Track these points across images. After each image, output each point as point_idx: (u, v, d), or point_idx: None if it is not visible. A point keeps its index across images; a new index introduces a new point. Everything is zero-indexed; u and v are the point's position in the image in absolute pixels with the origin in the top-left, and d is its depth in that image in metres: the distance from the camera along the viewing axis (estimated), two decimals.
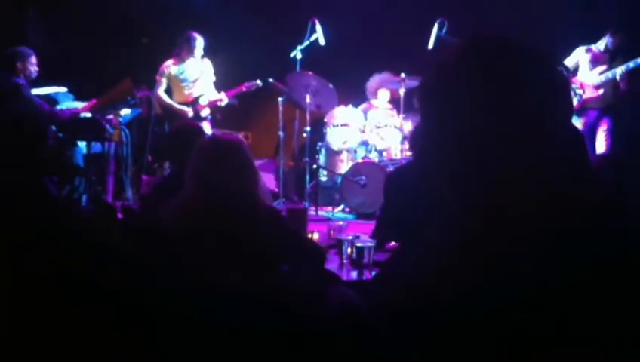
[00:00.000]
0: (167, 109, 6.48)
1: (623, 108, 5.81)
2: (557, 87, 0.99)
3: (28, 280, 0.94)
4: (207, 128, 6.36)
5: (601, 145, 5.78)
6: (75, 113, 5.69)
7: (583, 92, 5.87)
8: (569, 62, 6.03)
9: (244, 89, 6.54)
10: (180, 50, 6.48)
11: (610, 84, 5.78)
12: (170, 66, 6.49)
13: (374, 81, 7.20)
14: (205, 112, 6.54)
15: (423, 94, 1.06)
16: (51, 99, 5.83)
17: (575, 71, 6.01)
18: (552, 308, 0.84)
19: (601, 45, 5.91)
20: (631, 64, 5.60)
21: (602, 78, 5.77)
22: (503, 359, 0.84)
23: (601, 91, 5.80)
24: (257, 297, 2.14)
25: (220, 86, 6.67)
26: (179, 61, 6.49)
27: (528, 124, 0.94)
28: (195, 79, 6.49)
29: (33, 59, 5.66)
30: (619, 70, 5.65)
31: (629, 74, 5.63)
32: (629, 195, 0.99)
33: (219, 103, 6.54)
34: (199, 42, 6.46)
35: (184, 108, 6.43)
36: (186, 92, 6.50)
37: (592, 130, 5.87)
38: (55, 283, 0.96)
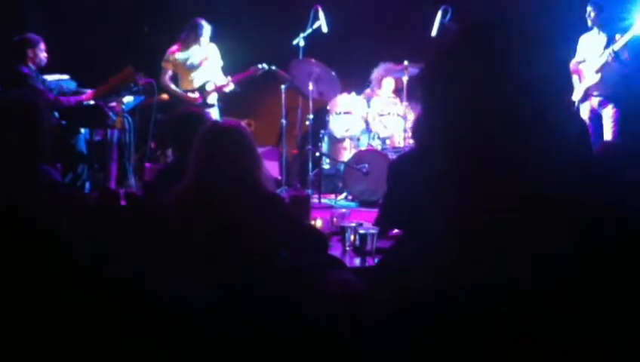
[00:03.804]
0: (174, 96, 6.47)
1: (626, 94, 5.65)
2: (558, 71, 0.98)
3: (28, 271, 0.94)
4: (214, 114, 6.35)
5: (608, 134, 5.66)
6: (78, 101, 5.69)
7: (580, 80, 5.77)
8: (579, 55, 5.90)
9: (249, 74, 6.51)
10: (187, 37, 6.44)
11: (611, 69, 5.60)
12: (175, 52, 6.46)
13: (379, 70, 7.16)
14: (212, 99, 6.53)
15: (422, 81, 1.05)
16: (61, 88, 5.82)
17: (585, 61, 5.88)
18: (552, 305, 0.83)
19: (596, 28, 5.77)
20: (615, 47, 5.49)
21: (600, 62, 5.63)
22: (501, 349, 0.84)
23: (599, 76, 5.65)
24: (257, 283, 2.15)
25: (225, 75, 6.64)
26: (184, 47, 6.46)
27: (530, 109, 0.93)
28: (200, 64, 6.47)
29: (42, 46, 5.66)
30: (605, 55, 5.55)
31: (615, 56, 5.50)
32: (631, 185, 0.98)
33: (225, 89, 6.52)
34: (206, 30, 6.42)
35: (191, 95, 6.42)
36: (192, 77, 6.48)
37: (597, 116, 5.75)
38: (57, 275, 0.96)
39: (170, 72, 6.49)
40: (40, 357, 0.91)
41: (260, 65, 6.46)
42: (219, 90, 6.52)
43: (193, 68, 6.47)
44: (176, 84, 6.53)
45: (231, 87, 6.53)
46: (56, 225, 1.03)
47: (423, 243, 0.99)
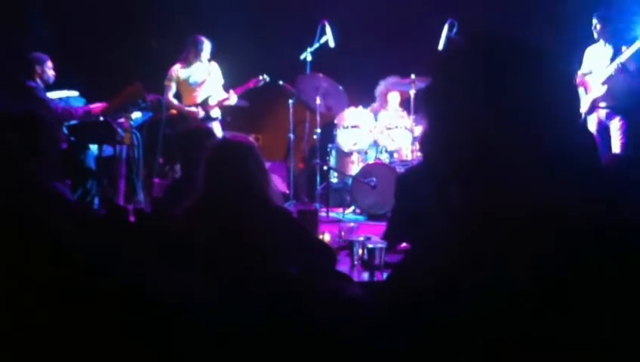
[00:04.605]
0: (180, 112, 6.53)
1: (633, 105, 5.59)
2: (562, 84, 0.99)
3: (28, 270, 0.94)
4: (217, 129, 6.39)
5: (616, 146, 5.61)
6: (87, 112, 5.74)
7: (587, 92, 5.75)
8: (584, 67, 5.87)
9: (251, 85, 6.54)
10: (188, 54, 6.52)
11: (618, 80, 5.53)
12: (178, 70, 6.54)
13: (383, 85, 7.18)
14: (215, 113, 6.57)
15: (426, 94, 1.06)
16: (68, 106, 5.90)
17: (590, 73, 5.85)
18: (552, 305, 0.83)
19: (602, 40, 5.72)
20: (621, 59, 5.44)
21: (607, 73, 5.58)
22: (501, 349, 0.84)
23: (605, 88, 5.59)
24: (266, 297, 2.15)
25: (229, 89, 6.69)
26: (186, 64, 6.54)
27: (533, 121, 0.94)
28: (202, 81, 6.54)
29: (49, 64, 5.77)
30: (612, 66, 5.51)
31: (622, 68, 5.45)
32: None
33: (227, 102, 6.55)
34: (206, 46, 6.50)
35: (193, 109, 6.47)
36: (195, 94, 6.54)
37: (604, 128, 5.71)
38: (57, 275, 0.96)
39: (173, 90, 6.57)
40: (40, 357, 0.91)
41: (261, 77, 6.49)
42: (221, 104, 6.57)
43: (196, 85, 6.54)
44: (180, 102, 6.60)
45: (234, 99, 6.56)
46: (58, 226, 1.04)
47: (424, 244, 1.00)
